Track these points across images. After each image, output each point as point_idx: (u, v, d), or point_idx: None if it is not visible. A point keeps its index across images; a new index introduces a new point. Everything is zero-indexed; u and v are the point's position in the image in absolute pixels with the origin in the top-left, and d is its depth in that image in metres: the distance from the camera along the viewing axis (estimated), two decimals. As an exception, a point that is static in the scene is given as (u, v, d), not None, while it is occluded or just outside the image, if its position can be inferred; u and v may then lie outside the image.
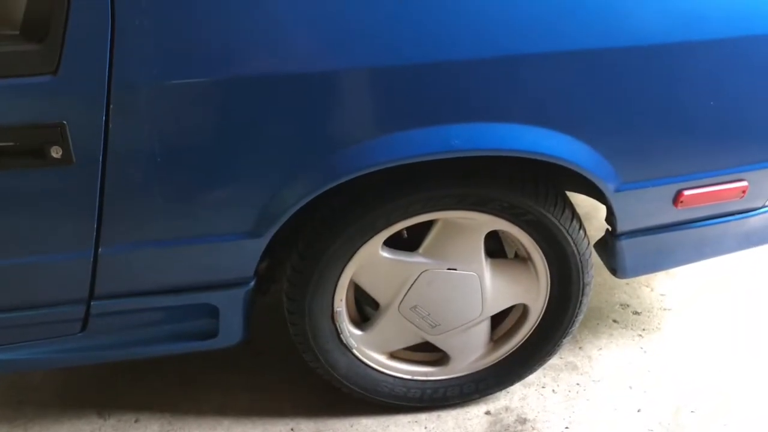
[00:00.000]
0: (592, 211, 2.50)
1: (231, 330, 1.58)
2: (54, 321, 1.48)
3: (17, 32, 1.23)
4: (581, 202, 1.93)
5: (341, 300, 1.62)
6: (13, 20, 1.27)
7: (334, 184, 1.37)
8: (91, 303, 1.46)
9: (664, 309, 2.23)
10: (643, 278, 2.35)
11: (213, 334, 1.58)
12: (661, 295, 2.30)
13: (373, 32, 1.28)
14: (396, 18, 1.27)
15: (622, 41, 1.35)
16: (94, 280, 1.42)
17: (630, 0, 1.35)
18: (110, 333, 1.54)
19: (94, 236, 1.35)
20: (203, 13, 1.22)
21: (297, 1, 1.24)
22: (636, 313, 2.22)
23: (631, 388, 1.93)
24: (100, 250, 1.37)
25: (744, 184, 1.59)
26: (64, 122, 1.21)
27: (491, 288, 1.66)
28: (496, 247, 1.72)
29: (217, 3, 1.21)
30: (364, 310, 1.76)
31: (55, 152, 1.23)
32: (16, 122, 1.21)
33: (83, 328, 1.50)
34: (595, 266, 1.70)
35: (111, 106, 1.22)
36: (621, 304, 2.26)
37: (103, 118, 1.23)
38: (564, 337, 1.76)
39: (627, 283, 2.33)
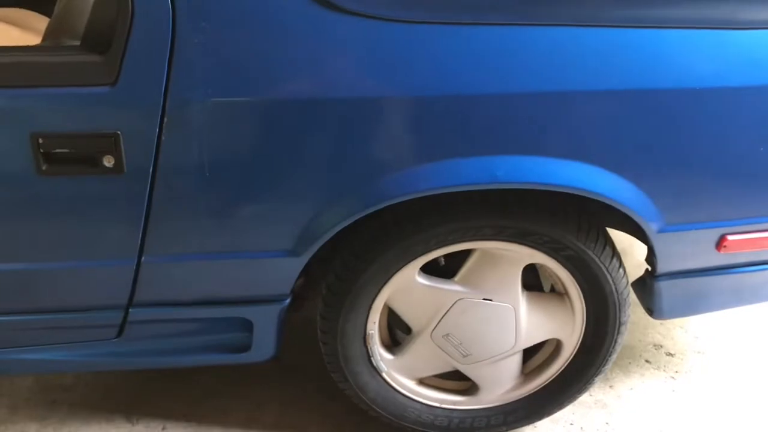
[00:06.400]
0: (628, 248, 2.47)
1: (264, 345, 1.59)
2: (92, 325, 1.51)
3: (78, 43, 1.26)
4: (620, 237, 1.91)
5: (374, 323, 1.62)
6: (75, 31, 1.31)
7: (376, 208, 1.38)
8: (130, 310, 1.48)
9: (698, 352, 2.20)
10: (677, 319, 2.31)
11: (246, 348, 1.59)
12: (695, 337, 2.26)
13: (422, 62, 1.29)
14: (445, 49, 1.29)
15: (673, 83, 1.34)
16: (134, 287, 1.44)
17: (682, 43, 1.35)
18: (145, 340, 1.56)
19: (139, 245, 1.37)
20: (257, 35, 1.24)
21: (346, 29, 1.26)
22: (669, 354, 2.18)
23: (660, 431, 1.90)
24: (143, 258, 1.39)
25: (789, 232, 1.56)
26: (119, 132, 1.24)
27: (526, 321, 1.65)
28: (532, 280, 1.71)
29: (270, 27, 1.24)
30: (396, 334, 1.76)
31: (108, 161, 1.26)
32: (73, 130, 1.24)
33: (119, 334, 1.52)
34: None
35: (165, 120, 1.24)
36: (654, 345, 2.22)
37: (156, 130, 1.25)
38: (596, 375, 1.74)
39: (661, 323, 2.30)
